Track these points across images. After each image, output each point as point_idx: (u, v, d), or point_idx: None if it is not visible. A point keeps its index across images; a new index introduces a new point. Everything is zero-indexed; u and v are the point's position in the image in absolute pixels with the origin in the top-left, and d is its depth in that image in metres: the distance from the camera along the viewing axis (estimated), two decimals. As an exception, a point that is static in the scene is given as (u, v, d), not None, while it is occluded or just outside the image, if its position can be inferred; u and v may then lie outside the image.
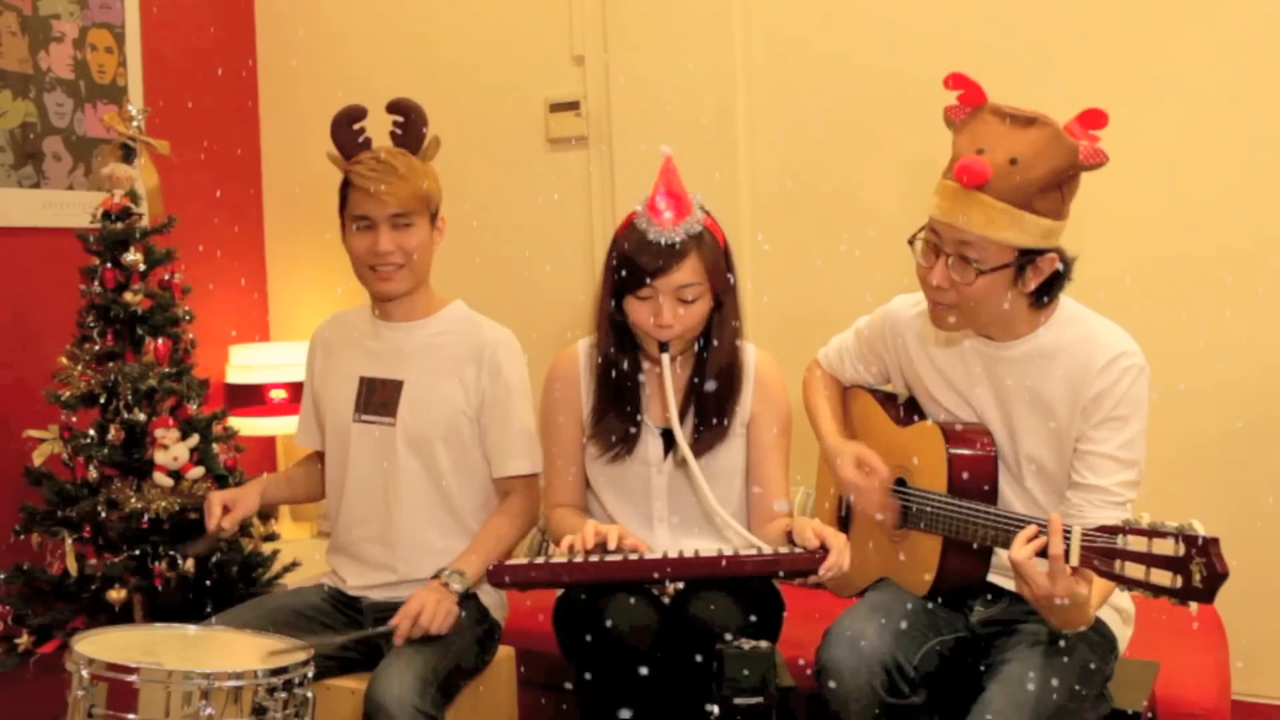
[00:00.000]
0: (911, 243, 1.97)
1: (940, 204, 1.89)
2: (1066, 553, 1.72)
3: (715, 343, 2.19)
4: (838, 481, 2.17)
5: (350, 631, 2.25)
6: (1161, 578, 1.60)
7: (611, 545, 2.02)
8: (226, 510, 2.30)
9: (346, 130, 2.36)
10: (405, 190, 2.26)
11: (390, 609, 2.24)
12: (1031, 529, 1.78)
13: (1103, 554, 1.68)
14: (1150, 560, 1.62)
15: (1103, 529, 1.69)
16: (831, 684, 1.90)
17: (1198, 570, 1.56)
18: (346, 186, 2.33)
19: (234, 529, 2.34)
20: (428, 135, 2.38)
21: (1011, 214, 1.83)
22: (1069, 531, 1.72)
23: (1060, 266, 1.92)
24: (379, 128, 2.40)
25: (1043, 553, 1.74)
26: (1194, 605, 1.59)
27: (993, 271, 1.87)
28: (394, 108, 2.38)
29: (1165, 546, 1.61)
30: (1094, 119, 1.90)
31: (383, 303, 2.38)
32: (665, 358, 2.13)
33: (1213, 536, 1.57)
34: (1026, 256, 1.88)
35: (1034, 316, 1.98)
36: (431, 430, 2.32)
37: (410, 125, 2.37)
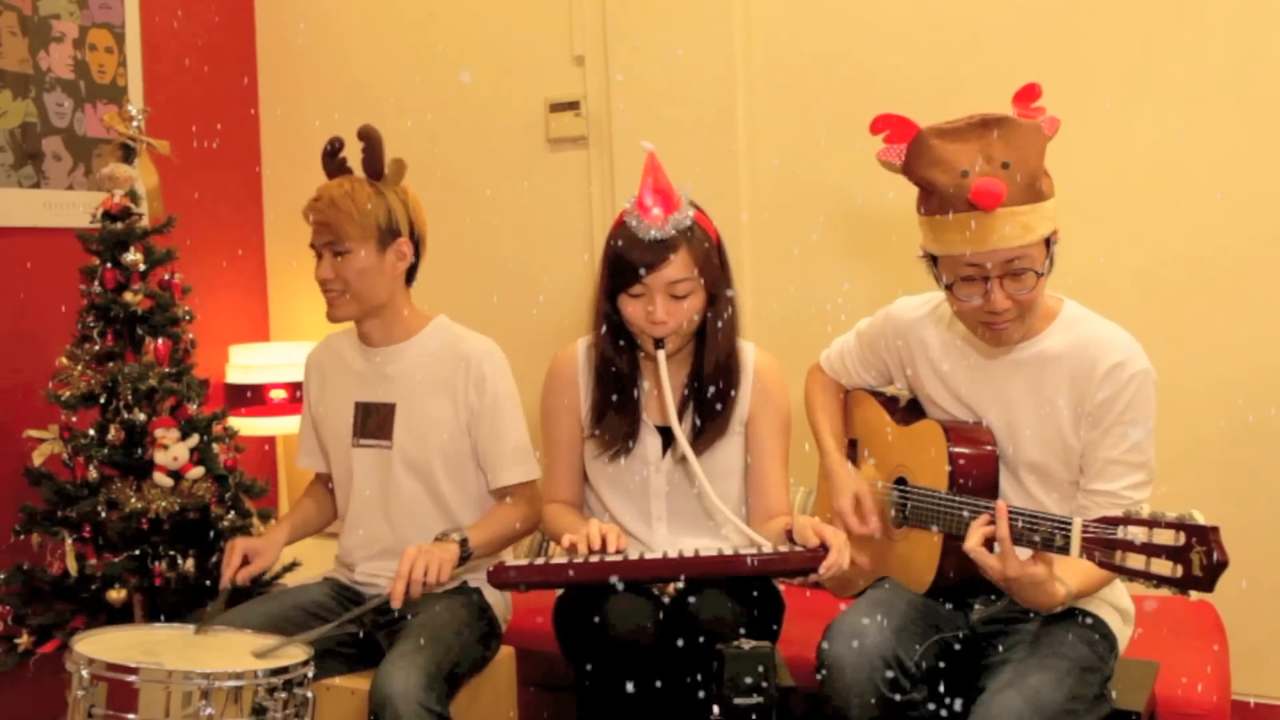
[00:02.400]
0: (950, 288, 1.93)
1: (965, 238, 1.85)
2: (1066, 544, 1.72)
3: (711, 338, 2.19)
4: (833, 511, 2.18)
5: (345, 614, 2.24)
6: (1162, 567, 1.61)
7: (612, 547, 2.02)
8: (246, 562, 2.31)
9: (330, 161, 2.39)
10: (337, 219, 2.28)
11: (406, 601, 2.24)
12: (984, 517, 1.82)
13: (1102, 545, 1.68)
14: (1150, 550, 1.62)
15: (1102, 520, 1.69)
16: (833, 679, 1.90)
17: (1198, 559, 1.56)
18: None
19: (247, 582, 2.35)
20: (388, 160, 2.35)
21: (1035, 211, 1.85)
22: (1068, 523, 1.73)
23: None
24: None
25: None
26: (1194, 594, 1.59)
27: (1044, 265, 1.90)
28: (359, 135, 2.36)
29: (1165, 536, 1.61)
30: (1029, 94, 1.94)
31: (360, 327, 2.40)
32: (661, 354, 2.13)
33: (1212, 525, 1.57)
34: (1049, 241, 1.91)
35: (1045, 306, 2.00)
36: (427, 450, 2.35)
37: (369, 152, 2.35)
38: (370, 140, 2.34)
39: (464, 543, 2.20)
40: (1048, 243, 1.90)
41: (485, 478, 2.39)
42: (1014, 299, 1.89)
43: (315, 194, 2.33)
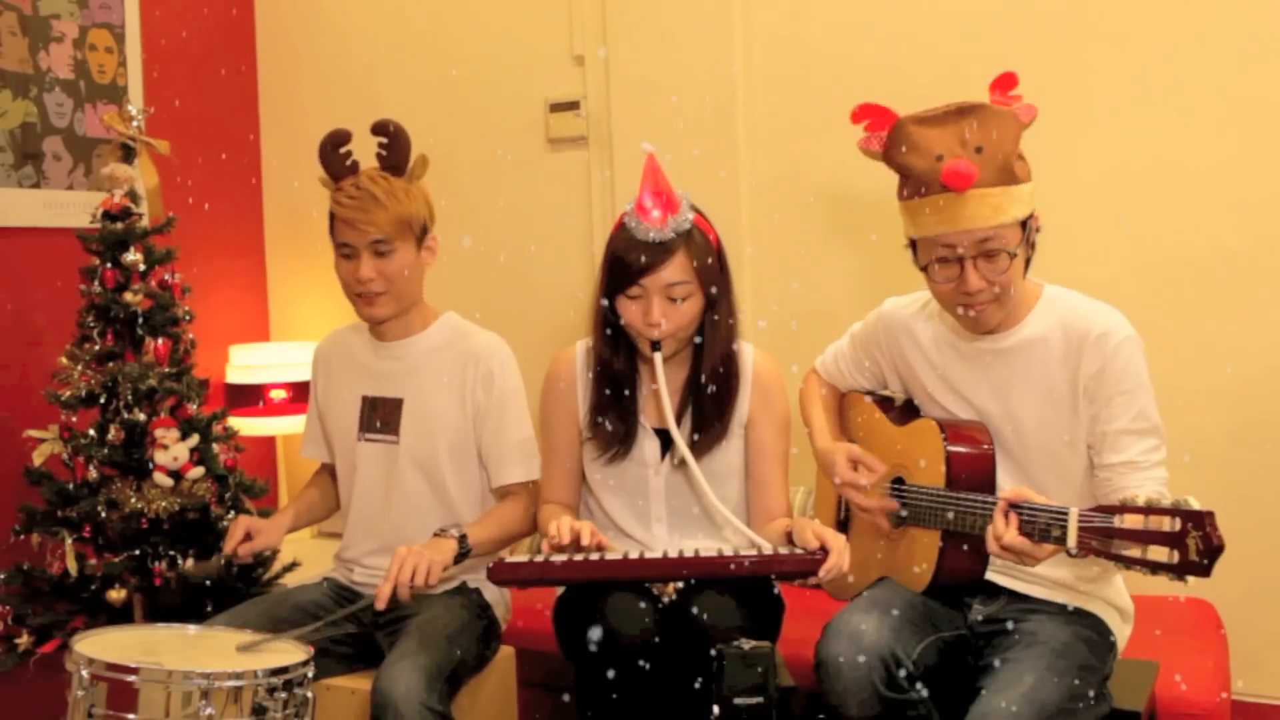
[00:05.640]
0: (925, 269, 1.98)
1: (938, 219, 1.90)
2: (1063, 535, 1.73)
3: (709, 342, 2.19)
4: (836, 483, 2.18)
5: (336, 612, 2.26)
6: (1159, 554, 1.61)
7: (585, 542, 2.02)
8: (248, 537, 2.32)
9: (332, 155, 2.33)
10: (383, 217, 2.25)
11: (394, 602, 2.26)
12: (1001, 508, 1.81)
13: (1099, 534, 1.68)
14: (1147, 537, 1.62)
15: (1099, 508, 1.70)
16: (831, 678, 1.90)
17: (1194, 544, 1.56)
18: (333, 213, 2.33)
19: (248, 558, 2.37)
20: (413, 155, 2.34)
21: (1007, 193, 1.88)
22: (1064, 513, 1.73)
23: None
24: (367, 147, 2.36)
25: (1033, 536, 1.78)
26: (1190, 580, 1.59)
27: (1019, 249, 1.92)
28: (378, 129, 2.34)
29: (1161, 522, 1.61)
30: (1006, 83, 1.98)
31: (374, 324, 2.39)
32: (658, 357, 2.13)
33: (1208, 510, 1.57)
34: (1024, 225, 1.93)
35: (1027, 292, 2.02)
36: (434, 445, 2.35)
37: (394, 147, 2.32)
38: (394, 135, 2.32)
39: (463, 539, 2.20)
40: (1024, 226, 1.93)
41: (488, 475, 2.39)
42: (988, 280, 1.92)
43: (347, 191, 2.27)
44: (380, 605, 2.08)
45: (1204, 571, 1.57)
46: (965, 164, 1.85)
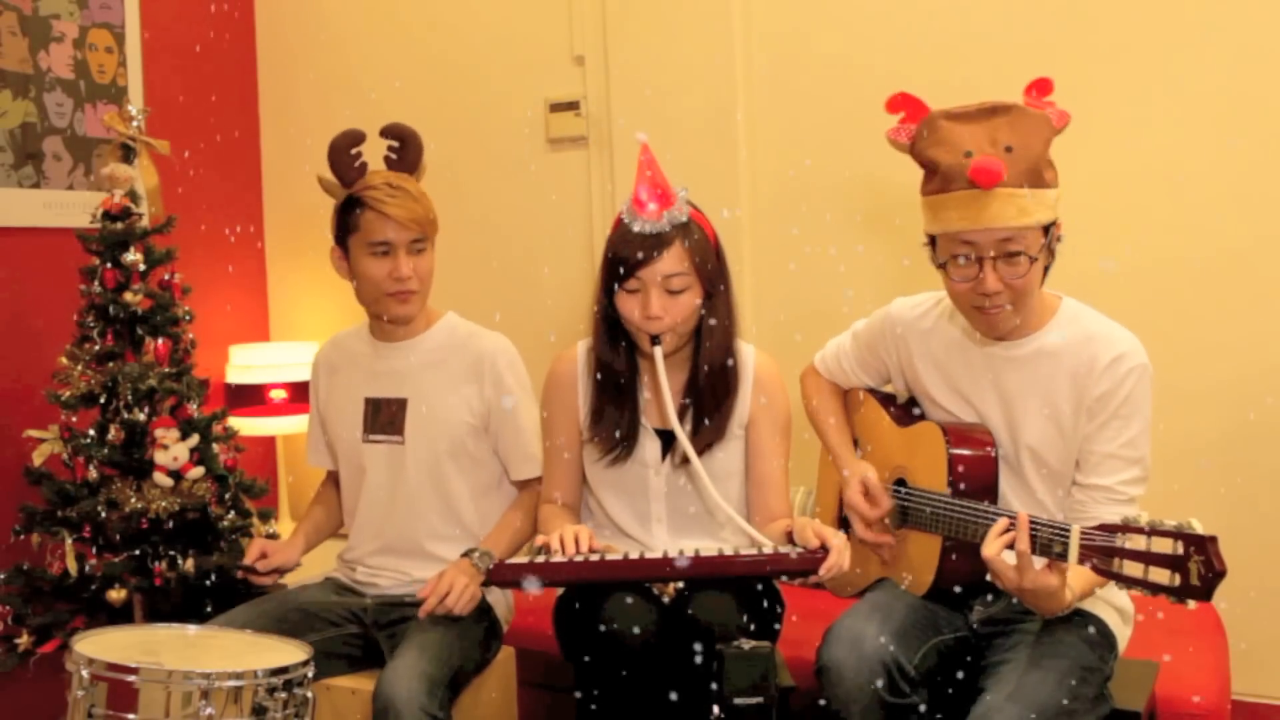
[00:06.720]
0: (943, 267, 1.95)
1: (962, 215, 1.87)
2: (1064, 551, 1.72)
3: (708, 342, 2.19)
4: (845, 507, 2.19)
5: (337, 612, 2.28)
6: (1160, 576, 1.61)
7: (583, 548, 2.03)
8: (264, 556, 2.36)
9: (345, 156, 2.31)
10: (421, 213, 2.29)
11: (395, 601, 2.29)
12: (1002, 523, 1.81)
13: (1101, 552, 1.68)
14: (1148, 559, 1.62)
15: (1101, 527, 1.69)
16: (832, 685, 1.90)
17: (1196, 568, 1.56)
18: (354, 211, 2.29)
19: (267, 578, 2.37)
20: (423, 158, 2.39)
21: (1034, 195, 1.86)
22: (1067, 530, 1.73)
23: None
24: (372, 152, 2.37)
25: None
26: (1191, 603, 1.59)
27: (1040, 254, 1.90)
28: (390, 133, 2.35)
29: (1164, 545, 1.61)
30: (1042, 88, 1.96)
31: (385, 324, 2.38)
32: (658, 352, 2.13)
33: (1211, 535, 1.57)
34: (1047, 230, 1.91)
35: (1044, 302, 2.00)
36: (438, 445, 2.35)
37: (407, 150, 2.36)
38: (407, 139, 2.35)
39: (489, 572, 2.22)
40: (1046, 232, 1.91)
41: (507, 470, 2.41)
42: (1006, 283, 1.90)
43: (384, 190, 2.26)
44: (423, 614, 2.15)
45: (1204, 596, 1.57)
46: (994, 161, 1.83)
